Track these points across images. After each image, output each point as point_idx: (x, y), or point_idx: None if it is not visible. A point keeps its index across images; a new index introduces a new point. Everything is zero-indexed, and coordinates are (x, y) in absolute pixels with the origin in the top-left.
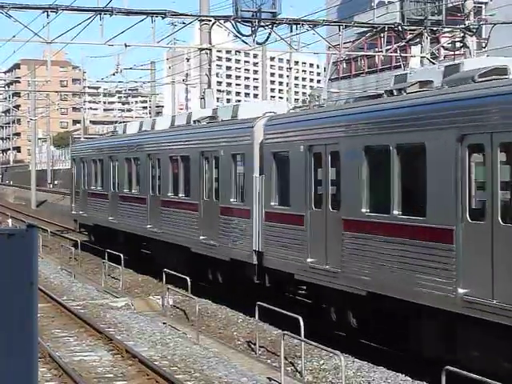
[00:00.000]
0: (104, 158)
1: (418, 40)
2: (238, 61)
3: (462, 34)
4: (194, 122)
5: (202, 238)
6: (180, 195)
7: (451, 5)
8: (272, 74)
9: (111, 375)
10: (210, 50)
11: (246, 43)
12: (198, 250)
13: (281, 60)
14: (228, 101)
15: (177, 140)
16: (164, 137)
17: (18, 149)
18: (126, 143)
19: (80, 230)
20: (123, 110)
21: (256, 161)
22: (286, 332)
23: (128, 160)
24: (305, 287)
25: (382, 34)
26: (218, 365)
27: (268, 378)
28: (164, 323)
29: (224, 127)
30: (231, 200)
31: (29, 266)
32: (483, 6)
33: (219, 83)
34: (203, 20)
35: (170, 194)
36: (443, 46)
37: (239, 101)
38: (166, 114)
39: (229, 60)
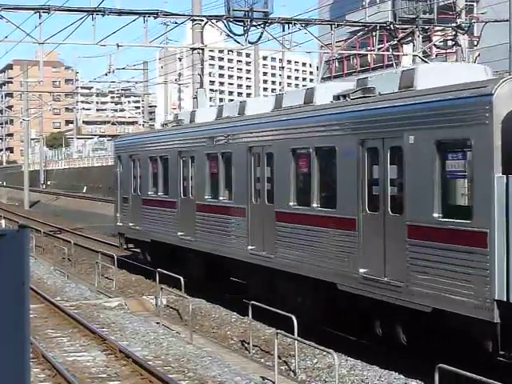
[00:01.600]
0: (170, 154)
1: (409, 38)
2: (230, 60)
3: (453, 32)
4: (310, 103)
5: (362, 270)
6: (318, 206)
7: (443, 3)
8: (264, 74)
9: (105, 375)
10: (203, 49)
11: (239, 42)
12: (357, 289)
13: (273, 59)
14: (221, 100)
15: (314, 125)
16: (283, 121)
17: (10, 149)
18: (206, 134)
19: (127, 246)
20: (116, 110)
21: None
22: (279, 331)
23: (211, 157)
24: None
25: (374, 33)
26: (211, 364)
27: (262, 377)
28: (157, 323)
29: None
30: (436, 216)
31: (20, 266)
32: (475, 4)
33: (212, 83)
34: (195, 20)
35: (292, 204)
36: (435, 45)
37: (232, 100)
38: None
39: (221, 59)
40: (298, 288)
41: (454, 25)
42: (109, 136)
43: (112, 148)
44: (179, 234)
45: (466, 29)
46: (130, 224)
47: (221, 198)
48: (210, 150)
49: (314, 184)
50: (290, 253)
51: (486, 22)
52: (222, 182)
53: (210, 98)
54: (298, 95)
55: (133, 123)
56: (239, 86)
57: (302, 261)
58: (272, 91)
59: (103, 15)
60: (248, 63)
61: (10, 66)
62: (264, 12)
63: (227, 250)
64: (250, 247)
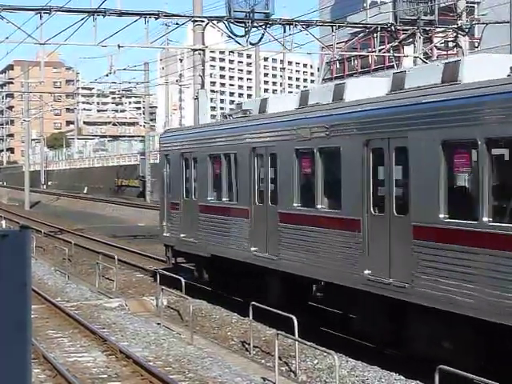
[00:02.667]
0: (240, 151)
1: (410, 40)
2: (231, 61)
3: (454, 34)
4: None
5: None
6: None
7: (444, 5)
8: (265, 75)
9: (105, 376)
10: (204, 50)
11: (240, 44)
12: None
13: (274, 60)
14: (222, 101)
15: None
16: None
17: (11, 150)
18: (295, 125)
19: (176, 261)
20: (117, 111)
21: None
22: (279, 332)
23: (302, 153)
24: None
25: (375, 34)
26: (212, 365)
27: (262, 377)
28: (158, 324)
29: None
30: None
31: (22, 266)
32: (475, 5)
33: (213, 83)
34: (196, 21)
35: (443, 217)
36: (436, 46)
37: (233, 101)
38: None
39: (222, 60)
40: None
41: (454, 26)
42: (109, 137)
43: (158, 144)
44: (252, 249)
45: (467, 30)
46: (182, 235)
47: (319, 207)
48: (302, 144)
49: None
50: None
51: (487, 24)
52: (319, 185)
53: (211, 98)
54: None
55: (133, 124)
56: (240, 87)
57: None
58: (273, 92)
59: (104, 16)
60: (249, 64)
61: (10, 67)
62: (265, 13)
63: (331, 273)
64: (366, 271)
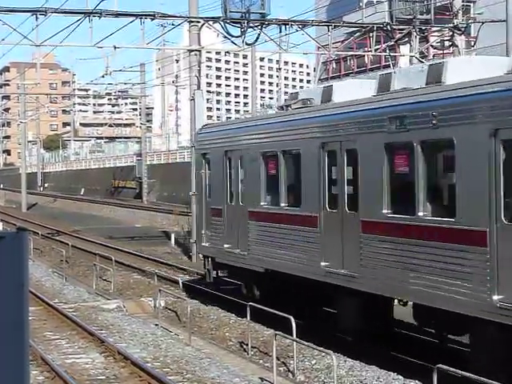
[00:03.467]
0: (304, 148)
1: (406, 39)
2: (227, 62)
3: (450, 33)
4: None
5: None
6: None
7: (440, 4)
8: (262, 75)
9: (103, 377)
10: (200, 51)
11: (236, 44)
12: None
13: (270, 60)
14: (218, 102)
15: None
16: None
17: (7, 152)
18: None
19: (217, 275)
20: (113, 112)
21: None
22: (277, 332)
23: (396, 147)
24: None
25: (371, 34)
26: (210, 366)
27: (260, 378)
28: (156, 325)
29: None
30: None
31: (20, 268)
32: (471, 4)
33: (209, 84)
34: (192, 21)
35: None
36: (432, 45)
37: (229, 102)
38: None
39: (218, 61)
40: None
41: (450, 25)
42: (106, 138)
43: (194, 141)
44: (323, 264)
45: (463, 29)
46: (226, 246)
47: (420, 214)
48: (396, 138)
49: None
50: None
51: (483, 23)
52: (420, 187)
53: (208, 99)
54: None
55: (130, 125)
56: (236, 87)
57: None
58: (269, 92)
59: (100, 17)
60: (245, 65)
61: (6, 69)
62: (261, 13)
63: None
64: (496, 296)
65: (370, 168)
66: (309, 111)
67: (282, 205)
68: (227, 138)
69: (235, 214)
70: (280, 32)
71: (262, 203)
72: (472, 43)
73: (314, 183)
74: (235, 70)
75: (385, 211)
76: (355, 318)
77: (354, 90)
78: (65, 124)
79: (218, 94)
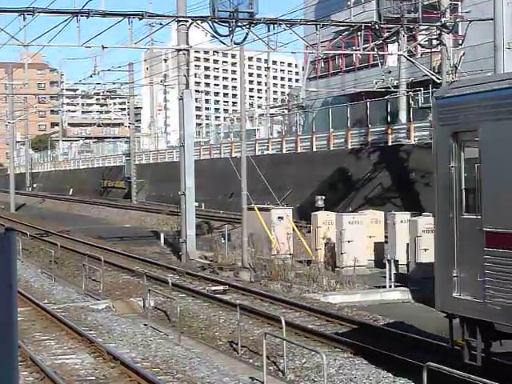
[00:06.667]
0: None
1: (394, 38)
2: (216, 61)
3: (438, 32)
4: None
5: None
6: None
7: (427, 2)
8: (250, 74)
9: (93, 378)
10: (188, 50)
11: (224, 43)
12: None
13: (259, 60)
14: (207, 101)
15: None
16: None
17: None
18: None
19: (488, 355)
20: (101, 112)
21: None
22: (267, 331)
23: None
24: None
25: (359, 33)
26: (200, 365)
27: (250, 377)
28: (145, 325)
29: None
30: None
31: (7, 268)
32: (459, 3)
33: (197, 84)
34: (180, 21)
35: None
36: (420, 44)
37: (218, 101)
38: None
39: (207, 60)
40: None
41: (438, 24)
42: (94, 138)
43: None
44: None
45: (451, 28)
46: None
47: None
48: None
49: None
50: None
51: (471, 21)
52: None
53: (196, 98)
54: None
55: (118, 125)
56: (225, 86)
57: None
58: (258, 92)
59: (88, 17)
60: (234, 64)
61: None
62: (249, 12)
63: None
64: None
65: None
66: None
67: None
68: None
69: None
70: (268, 31)
71: None
72: (460, 42)
73: None
74: (224, 70)
75: None
76: None
77: None
78: (53, 124)
79: (207, 93)
